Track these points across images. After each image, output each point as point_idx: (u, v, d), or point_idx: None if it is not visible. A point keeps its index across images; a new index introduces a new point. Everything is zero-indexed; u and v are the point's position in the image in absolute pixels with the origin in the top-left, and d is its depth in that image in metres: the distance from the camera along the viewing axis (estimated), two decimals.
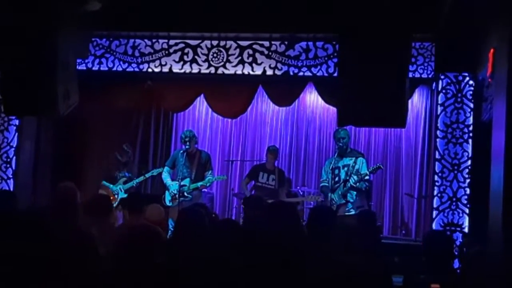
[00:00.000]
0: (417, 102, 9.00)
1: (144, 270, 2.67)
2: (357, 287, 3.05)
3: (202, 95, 8.55)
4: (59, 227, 3.18)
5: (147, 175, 8.28)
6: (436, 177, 7.26)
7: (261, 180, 7.97)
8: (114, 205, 7.80)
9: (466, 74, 7.26)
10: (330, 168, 7.14)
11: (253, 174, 8.09)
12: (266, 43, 7.81)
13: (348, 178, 7.01)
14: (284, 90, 8.16)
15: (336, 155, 7.24)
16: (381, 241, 5.04)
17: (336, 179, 7.08)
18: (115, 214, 7.10)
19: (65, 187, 4.27)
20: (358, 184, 6.94)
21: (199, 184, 7.60)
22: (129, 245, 2.75)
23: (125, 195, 7.81)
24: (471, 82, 7.25)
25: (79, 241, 2.92)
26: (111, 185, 8.05)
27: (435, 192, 7.25)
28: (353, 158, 7.13)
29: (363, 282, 3.10)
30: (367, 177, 7.01)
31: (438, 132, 7.32)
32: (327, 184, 7.19)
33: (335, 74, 7.37)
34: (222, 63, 7.91)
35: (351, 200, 7.01)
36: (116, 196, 7.99)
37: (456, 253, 5.33)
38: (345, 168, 7.08)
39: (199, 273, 3.10)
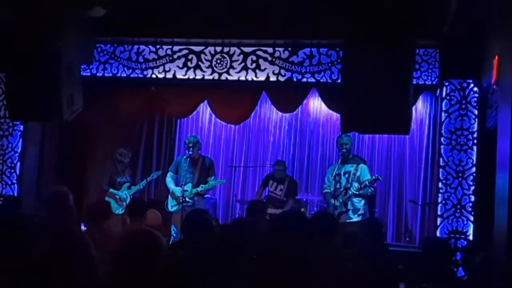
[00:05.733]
0: (421, 108, 8.96)
1: (141, 275, 2.65)
2: None
3: (205, 101, 8.55)
4: (52, 231, 3.17)
5: (148, 179, 8.36)
6: (440, 184, 7.24)
7: (270, 189, 8.03)
8: (123, 211, 7.79)
9: (471, 80, 7.25)
10: (333, 175, 7.11)
11: (265, 182, 8.16)
12: (270, 50, 7.81)
13: (349, 186, 6.96)
14: (288, 96, 8.15)
15: (339, 161, 7.21)
16: (388, 249, 5.00)
17: (337, 186, 7.04)
18: (116, 219, 7.08)
19: (57, 191, 4.27)
20: (361, 191, 6.90)
21: (200, 189, 7.58)
22: (125, 249, 2.75)
23: None
24: (475, 88, 7.23)
25: (73, 245, 2.91)
26: (118, 192, 8.02)
27: (439, 199, 7.23)
28: (354, 165, 7.06)
29: None
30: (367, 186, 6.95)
31: (442, 139, 7.30)
32: (329, 191, 7.16)
33: (339, 81, 7.37)
34: (225, 69, 7.91)
35: (352, 208, 6.96)
36: (123, 202, 7.95)
37: (460, 260, 5.29)
38: (346, 175, 7.03)
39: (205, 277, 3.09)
